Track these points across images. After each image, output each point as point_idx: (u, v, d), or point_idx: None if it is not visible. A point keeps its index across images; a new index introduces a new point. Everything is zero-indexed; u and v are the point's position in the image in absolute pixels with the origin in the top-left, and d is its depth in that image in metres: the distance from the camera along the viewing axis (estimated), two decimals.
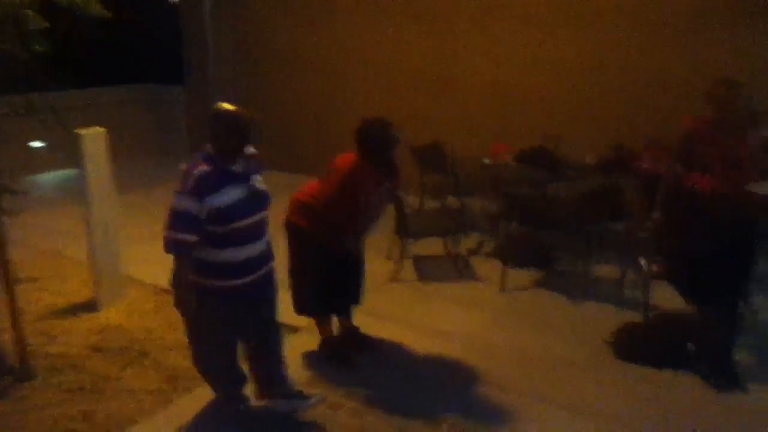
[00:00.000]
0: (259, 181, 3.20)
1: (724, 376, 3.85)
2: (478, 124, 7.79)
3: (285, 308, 3.93)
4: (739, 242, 3.82)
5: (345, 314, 4.31)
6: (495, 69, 7.60)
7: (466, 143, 7.63)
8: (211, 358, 3.44)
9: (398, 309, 4.92)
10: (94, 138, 4.80)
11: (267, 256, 3.31)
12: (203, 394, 3.71)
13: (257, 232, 3.18)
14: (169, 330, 4.64)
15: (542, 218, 5.20)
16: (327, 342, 4.23)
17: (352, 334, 4.34)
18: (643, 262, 4.52)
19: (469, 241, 6.21)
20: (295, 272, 4.08)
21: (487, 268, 5.60)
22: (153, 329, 4.69)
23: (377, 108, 8.18)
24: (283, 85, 9.44)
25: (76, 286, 5.37)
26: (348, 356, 4.18)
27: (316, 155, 6.75)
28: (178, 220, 2.95)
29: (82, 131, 4.75)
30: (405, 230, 5.33)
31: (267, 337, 3.54)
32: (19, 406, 3.75)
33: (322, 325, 4.22)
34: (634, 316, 4.57)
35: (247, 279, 3.18)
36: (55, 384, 4.00)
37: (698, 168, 3.77)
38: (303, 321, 4.33)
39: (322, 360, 4.19)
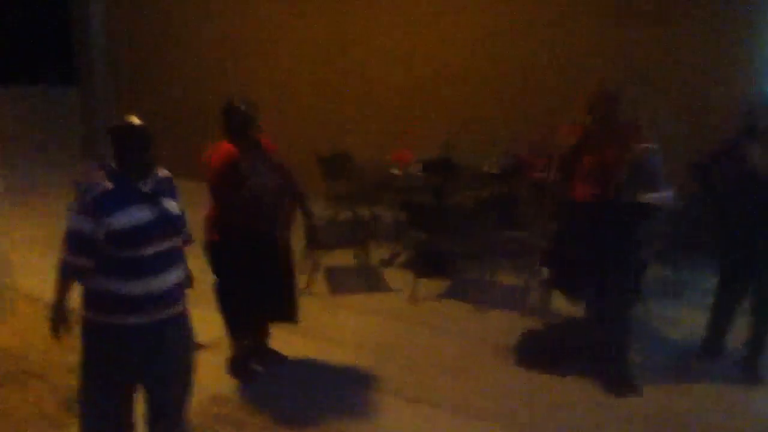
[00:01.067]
0: (172, 206, 2.81)
1: (619, 381, 4.03)
2: (377, 127, 7.87)
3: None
4: (619, 248, 4.00)
5: (263, 329, 4.22)
6: (391, 71, 7.74)
7: (368, 147, 7.70)
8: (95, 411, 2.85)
9: (308, 322, 4.87)
10: None
11: (175, 296, 2.80)
12: None
13: (163, 263, 2.74)
14: (69, 351, 4.43)
15: (442, 227, 5.31)
16: (234, 359, 4.15)
17: (260, 349, 4.28)
18: (543, 269, 4.69)
19: (382, 251, 6.26)
20: (216, 289, 3.98)
21: (400, 278, 5.66)
22: (50, 350, 4.46)
23: (268, 105, 8.30)
24: (174, 85, 9.18)
25: None
26: (254, 373, 4.12)
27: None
28: (72, 241, 2.64)
29: None
30: (314, 241, 5.32)
31: (165, 400, 2.93)
32: None
33: (236, 342, 4.14)
34: (536, 323, 4.73)
35: (143, 319, 2.69)
36: None
37: (577, 176, 3.95)
38: (211, 337, 4.23)
39: (228, 377, 4.12)
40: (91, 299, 2.72)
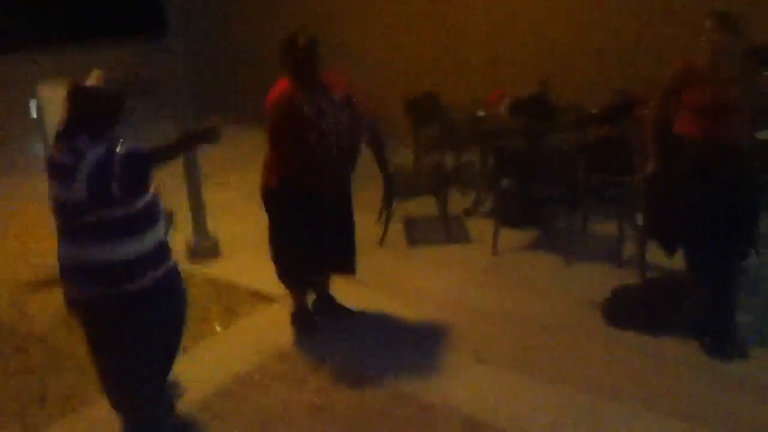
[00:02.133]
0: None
1: (722, 343, 3.52)
2: (472, 67, 7.37)
3: (261, 276, 3.72)
4: (732, 192, 3.44)
5: (320, 281, 4.03)
6: (488, 4, 7.14)
7: (461, 90, 7.25)
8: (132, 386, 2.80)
9: (380, 275, 4.65)
10: (54, 91, 4.55)
11: (167, 244, 2.82)
12: None
13: (157, 212, 2.71)
14: None
15: (535, 173, 4.84)
16: (298, 313, 3.99)
17: (326, 303, 4.09)
18: (639, 218, 4.16)
19: (466, 200, 5.89)
20: (271, 239, 3.81)
21: (482, 228, 5.27)
22: None
23: (364, 51, 8.04)
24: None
25: None
26: (317, 328, 3.94)
27: None
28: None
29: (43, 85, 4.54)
30: (390, 192, 5.03)
31: (176, 346, 2.96)
32: None
33: (296, 295, 3.97)
34: (630, 278, 4.23)
35: (159, 272, 2.69)
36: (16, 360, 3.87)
37: (689, 113, 3.39)
38: (280, 290, 4.08)
39: (292, 332, 3.96)
40: (102, 273, 2.56)
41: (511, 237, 5.07)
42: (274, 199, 3.68)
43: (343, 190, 3.77)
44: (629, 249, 4.59)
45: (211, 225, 5.13)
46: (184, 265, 4.88)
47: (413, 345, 3.80)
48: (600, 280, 4.33)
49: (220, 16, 9.56)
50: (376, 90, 7.88)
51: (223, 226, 5.29)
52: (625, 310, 3.87)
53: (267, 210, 3.73)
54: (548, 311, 4.08)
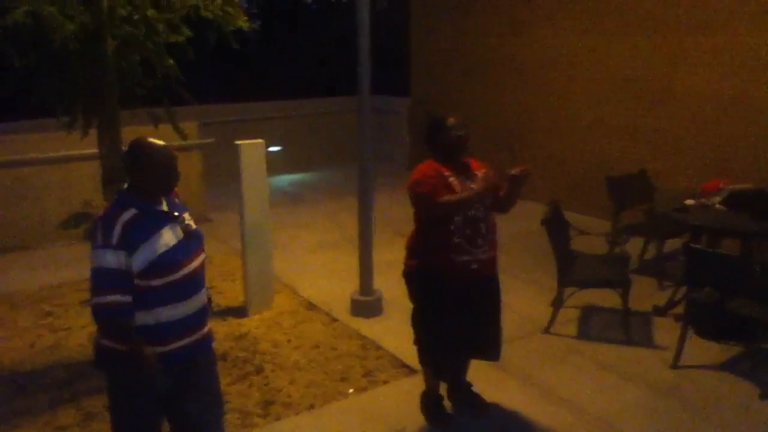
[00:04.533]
0: (188, 219, 2.69)
1: None
2: (697, 148, 6.58)
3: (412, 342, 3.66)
4: None
5: (456, 367, 3.78)
6: (717, 82, 6.33)
7: (675, 171, 6.52)
8: None
9: (533, 367, 4.25)
10: (251, 149, 4.94)
11: (206, 313, 2.74)
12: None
13: (197, 281, 2.65)
14: (294, 349, 4.59)
15: (742, 286, 4.07)
16: (428, 395, 3.78)
17: (461, 389, 3.82)
18: None
19: (662, 296, 5.20)
20: (413, 322, 3.69)
21: (670, 333, 4.57)
22: (281, 344, 4.67)
23: (578, 120, 7.63)
24: (484, 97, 9.00)
25: (240, 288, 5.56)
26: (444, 415, 3.69)
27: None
28: (104, 280, 2.43)
29: (241, 142, 4.91)
30: (563, 274, 4.63)
31: (203, 422, 2.78)
32: None
33: (430, 378, 3.77)
34: None
35: (185, 341, 2.61)
36: None
37: None
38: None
39: (417, 412, 3.76)
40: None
41: (701, 349, 4.34)
42: (415, 282, 3.56)
43: (489, 269, 3.51)
44: None
45: (378, 282, 5.14)
46: (344, 319, 5.03)
47: None
48: None
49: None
50: (584, 165, 7.55)
51: (391, 284, 5.28)
52: None
53: (409, 291, 3.62)
54: None
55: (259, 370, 4.30)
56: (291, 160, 10.32)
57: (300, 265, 6.25)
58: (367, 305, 5.07)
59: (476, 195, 3.28)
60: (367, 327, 4.88)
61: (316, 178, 10.47)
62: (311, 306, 5.33)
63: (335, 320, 5.05)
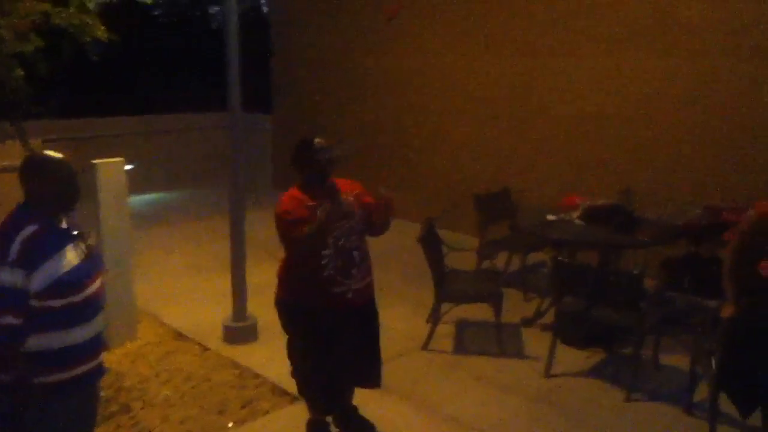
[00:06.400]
0: (93, 242, 2.62)
1: None
2: (553, 168, 7.01)
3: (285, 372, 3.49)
4: None
5: (338, 397, 3.65)
6: (572, 102, 6.80)
7: (539, 190, 6.89)
8: None
9: (415, 384, 4.25)
10: (110, 168, 4.57)
11: (103, 338, 2.61)
12: None
13: (97, 304, 2.51)
14: (163, 383, 4.27)
15: (602, 294, 4.33)
16: (312, 422, 3.64)
17: (346, 414, 3.72)
18: (712, 361, 3.58)
19: (529, 307, 5.42)
20: (288, 351, 3.54)
21: (540, 343, 4.75)
22: (149, 379, 4.33)
23: (445, 138, 7.89)
24: (355, 115, 9.07)
25: None
26: None
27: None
28: None
29: (98, 161, 4.53)
30: (439, 290, 4.69)
31: None
32: None
33: (311, 403, 3.62)
34: (699, 429, 3.62)
35: (98, 361, 2.52)
36: None
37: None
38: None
39: None
40: (37, 359, 2.34)
41: (570, 358, 4.55)
42: (286, 314, 3.43)
43: (366, 296, 3.44)
44: (703, 391, 3.97)
45: (252, 306, 4.93)
46: (216, 347, 4.76)
47: None
48: (663, 425, 3.74)
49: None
50: (457, 184, 7.78)
51: (265, 308, 5.07)
52: None
53: (281, 322, 3.47)
54: None
55: (126, 410, 3.95)
56: (151, 178, 9.74)
57: (165, 292, 5.87)
58: (241, 331, 4.84)
59: (318, 229, 3.09)
60: (243, 355, 4.65)
61: (179, 197, 10.01)
62: (179, 335, 5.00)
63: (207, 349, 4.77)
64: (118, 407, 3.97)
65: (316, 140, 3.30)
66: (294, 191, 3.30)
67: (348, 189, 3.38)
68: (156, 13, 21.22)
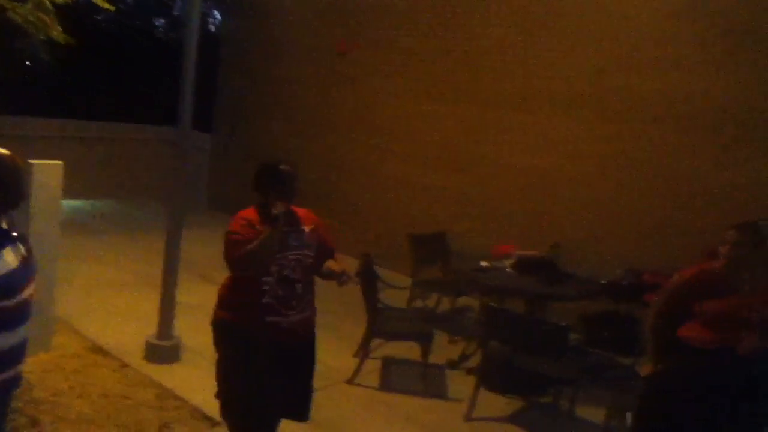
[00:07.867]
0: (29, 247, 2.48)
1: None
2: (492, 213, 7.23)
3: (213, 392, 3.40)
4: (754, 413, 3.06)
5: (262, 426, 3.59)
6: (513, 155, 7.06)
7: (474, 237, 7.05)
8: None
9: (339, 419, 4.24)
10: (47, 170, 4.43)
11: (26, 348, 2.47)
12: None
13: (27, 312, 2.39)
14: (78, 398, 4.10)
15: (528, 342, 4.46)
16: None
17: None
18: (627, 417, 3.74)
19: (456, 349, 5.51)
20: (216, 371, 3.43)
21: (464, 386, 4.83)
22: (63, 392, 4.15)
23: (388, 178, 8.01)
24: (297, 145, 9.10)
25: None
26: None
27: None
28: None
29: (36, 162, 4.39)
30: (372, 326, 4.73)
31: None
32: None
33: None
34: None
35: (18, 369, 2.42)
36: None
37: (699, 321, 3.06)
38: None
39: None
40: None
41: (491, 402, 4.64)
42: (221, 334, 3.36)
43: (304, 330, 3.43)
44: None
45: (177, 325, 4.82)
46: (136, 365, 4.61)
47: None
48: None
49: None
50: (390, 221, 7.89)
51: (193, 328, 4.97)
52: None
53: (214, 340, 3.40)
54: None
55: (35, 423, 3.76)
56: (85, 184, 9.38)
57: (87, 304, 5.66)
58: (164, 350, 4.71)
59: (260, 247, 3.06)
60: (164, 375, 4.52)
61: (112, 206, 9.70)
62: (98, 349, 4.82)
63: (126, 366, 4.61)
64: (26, 420, 3.77)
65: (282, 165, 3.28)
66: (250, 212, 3.27)
67: (307, 220, 3.38)
68: (99, 17, 20.74)
